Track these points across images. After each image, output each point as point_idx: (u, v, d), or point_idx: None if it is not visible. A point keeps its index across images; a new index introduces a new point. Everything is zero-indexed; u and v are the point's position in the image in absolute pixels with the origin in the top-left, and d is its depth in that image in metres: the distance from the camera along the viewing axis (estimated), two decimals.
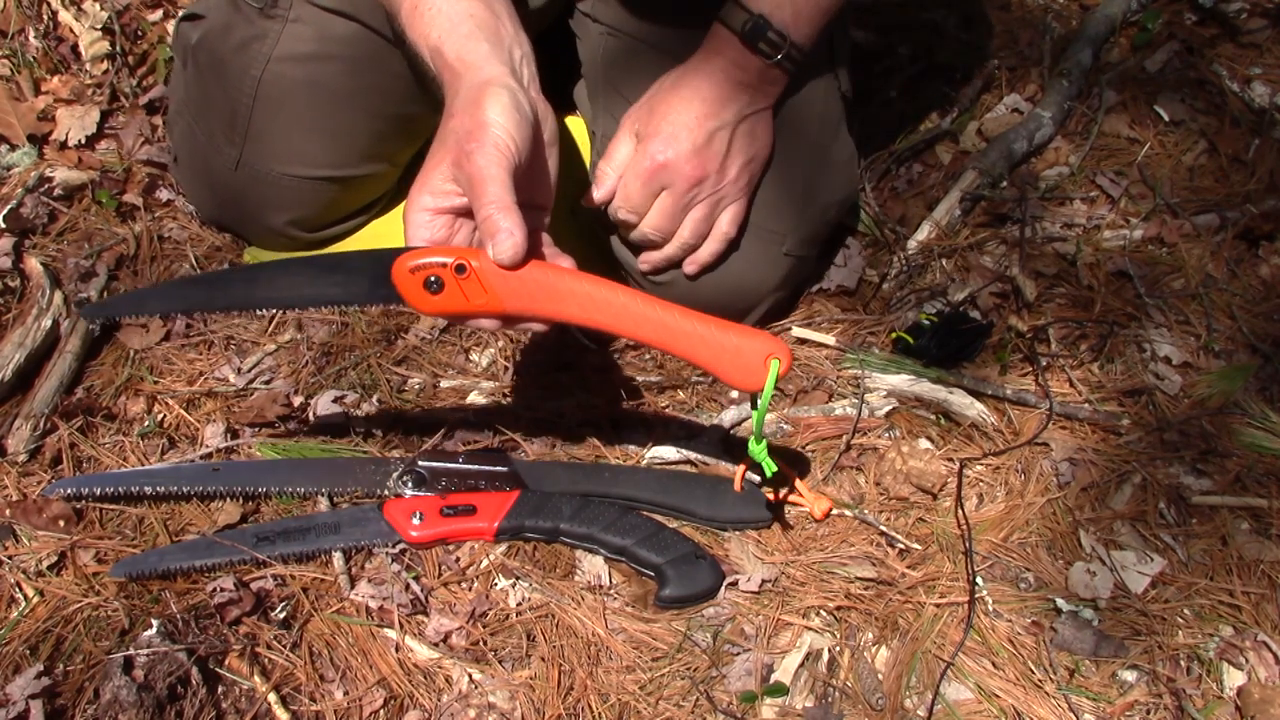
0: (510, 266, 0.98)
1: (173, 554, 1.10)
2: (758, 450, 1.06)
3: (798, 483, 1.21)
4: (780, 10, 1.22)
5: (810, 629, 1.12)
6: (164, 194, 1.52)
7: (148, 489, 1.15)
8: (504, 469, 1.20)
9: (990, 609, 1.15)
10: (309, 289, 1.06)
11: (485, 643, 1.08)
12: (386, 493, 1.18)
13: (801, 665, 1.09)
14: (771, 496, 1.19)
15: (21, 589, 1.07)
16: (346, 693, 1.03)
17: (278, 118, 1.33)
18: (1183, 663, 1.12)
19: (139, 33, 1.69)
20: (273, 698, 1.01)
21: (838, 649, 1.11)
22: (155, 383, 1.29)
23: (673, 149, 1.24)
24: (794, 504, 1.22)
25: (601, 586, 1.14)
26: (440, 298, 0.99)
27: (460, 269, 0.98)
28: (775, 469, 1.08)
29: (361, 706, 1.02)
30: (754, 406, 1.05)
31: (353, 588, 1.10)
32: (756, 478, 1.19)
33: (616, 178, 1.27)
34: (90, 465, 1.20)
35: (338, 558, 1.12)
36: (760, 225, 1.33)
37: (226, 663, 1.03)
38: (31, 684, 0.98)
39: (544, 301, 0.99)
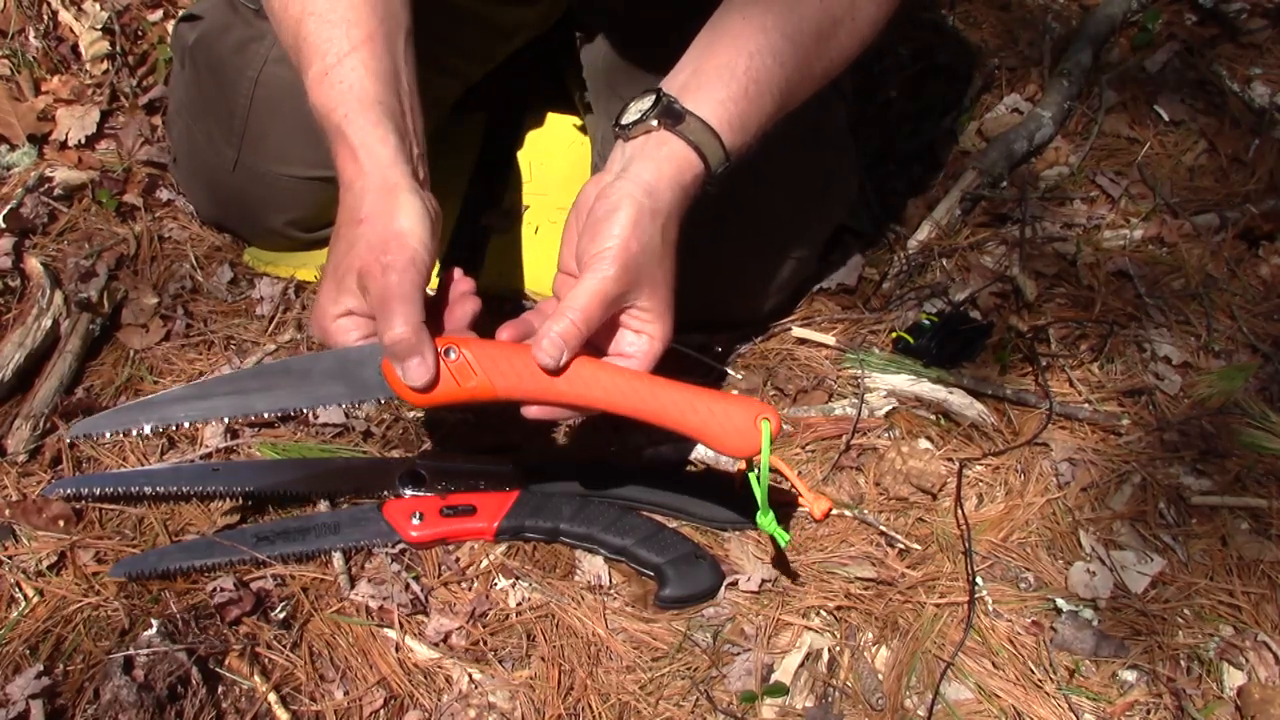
0: (422, 390, 0.96)
1: (173, 554, 1.10)
2: (766, 522, 1.03)
3: (797, 483, 1.20)
4: (736, 138, 1.03)
5: (810, 629, 1.12)
6: (164, 194, 1.52)
7: (148, 489, 1.15)
8: (504, 469, 1.20)
9: (990, 609, 1.15)
10: (298, 394, 1.03)
11: (485, 643, 1.08)
12: (386, 493, 1.18)
13: (801, 665, 1.09)
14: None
15: (21, 589, 1.07)
16: (346, 693, 1.03)
17: (275, 118, 1.33)
18: (1183, 663, 1.12)
19: (139, 33, 1.69)
20: (273, 698, 1.01)
21: (838, 649, 1.11)
22: (155, 383, 1.29)
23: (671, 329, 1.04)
24: (795, 497, 1.21)
25: (601, 586, 1.14)
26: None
27: (448, 352, 0.97)
28: (789, 537, 1.06)
29: (361, 706, 1.02)
30: (749, 469, 1.03)
31: (353, 588, 1.10)
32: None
33: (576, 334, 0.96)
34: (90, 465, 1.20)
35: (338, 558, 1.12)
36: (764, 228, 1.33)
37: (226, 663, 1.03)
38: (31, 684, 0.98)
39: (531, 382, 0.98)
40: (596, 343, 1.00)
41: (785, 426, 1.30)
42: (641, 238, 0.97)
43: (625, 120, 1.02)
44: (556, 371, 0.97)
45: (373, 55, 1.02)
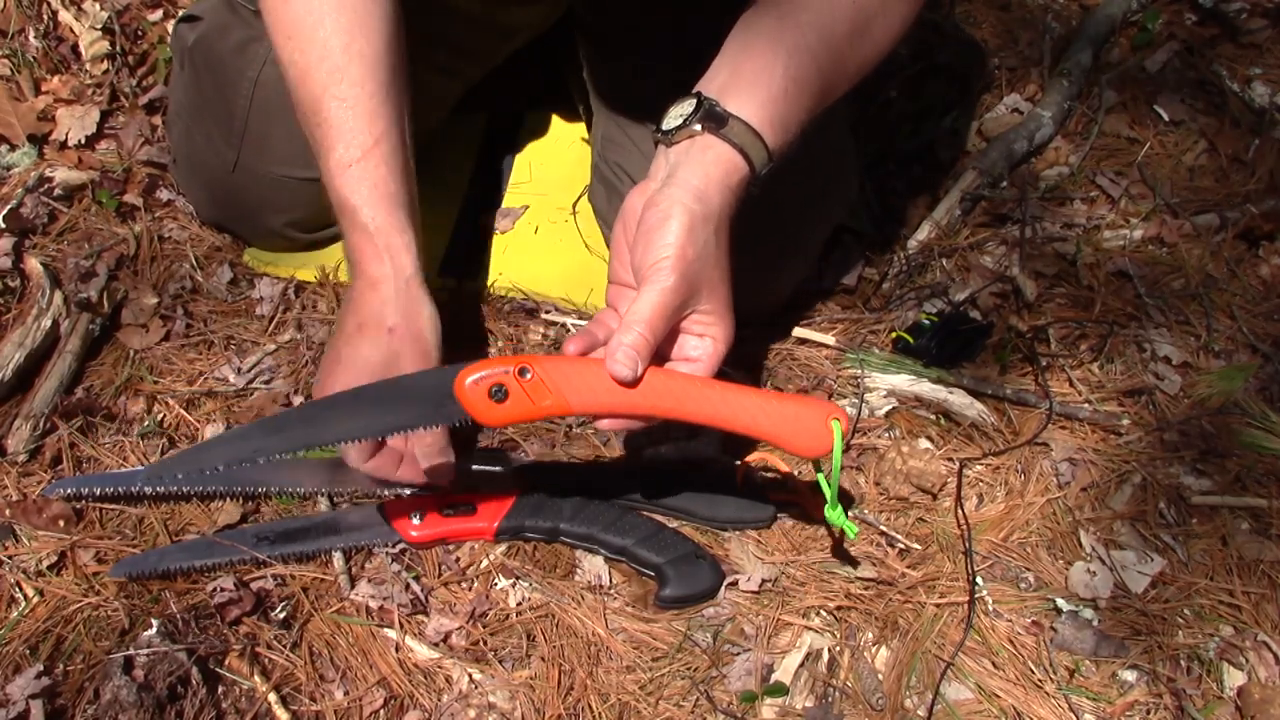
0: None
1: (173, 554, 1.10)
2: (835, 515, 1.05)
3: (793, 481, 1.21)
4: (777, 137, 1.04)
5: (810, 629, 1.12)
6: (164, 194, 1.52)
7: (148, 489, 1.15)
8: (504, 469, 1.20)
9: (990, 609, 1.15)
10: (372, 421, 1.03)
11: (485, 643, 1.08)
12: (386, 493, 1.18)
13: (801, 665, 1.09)
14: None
15: (21, 589, 1.07)
16: (346, 693, 1.03)
17: (275, 119, 1.33)
18: (1183, 663, 1.12)
19: (139, 33, 1.69)
20: (273, 698, 1.01)
21: (838, 649, 1.11)
22: (155, 383, 1.29)
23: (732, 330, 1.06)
24: (792, 500, 1.22)
25: (601, 586, 1.14)
26: (507, 405, 0.98)
27: (523, 372, 0.98)
28: (857, 530, 1.08)
29: (361, 706, 1.02)
30: (818, 470, 1.05)
31: (353, 588, 1.10)
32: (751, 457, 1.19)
33: (646, 345, 0.98)
34: (90, 465, 1.20)
35: (338, 558, 1.12)
36: (764, 229, 1.33)
37: (226, 663, 1.03)
38: (31, 684, 0.98)
39: (606, 396, 0.98)
40: (659, 350, 1.01)
41: None
42: (696, 244, 0.98)
43: (667, 126, 1.02)
44: (633, 384, 0.98)
45: (392, 149, 1.11)
